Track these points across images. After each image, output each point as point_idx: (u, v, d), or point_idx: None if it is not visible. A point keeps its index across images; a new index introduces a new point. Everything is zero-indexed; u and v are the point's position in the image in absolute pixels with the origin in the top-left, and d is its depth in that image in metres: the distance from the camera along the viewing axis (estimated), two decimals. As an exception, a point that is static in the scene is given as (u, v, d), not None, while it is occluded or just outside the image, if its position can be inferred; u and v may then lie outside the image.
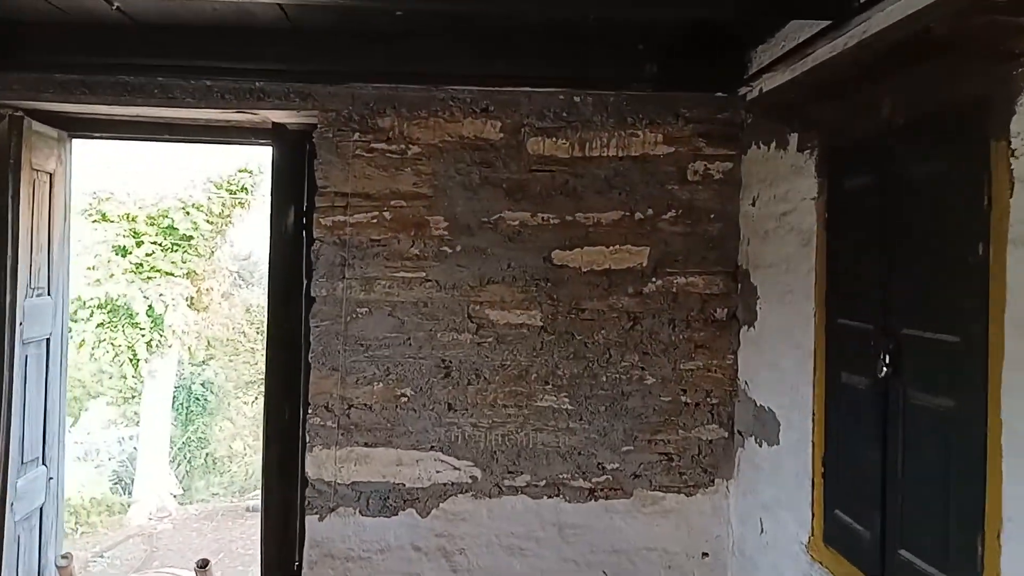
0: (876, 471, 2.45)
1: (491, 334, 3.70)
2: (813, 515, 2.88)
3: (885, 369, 2.37)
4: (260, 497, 3.74)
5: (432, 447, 3.70)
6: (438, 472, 3.71)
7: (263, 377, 3.72)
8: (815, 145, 2.90)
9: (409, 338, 3.69)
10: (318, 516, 3.67)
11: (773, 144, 3.33)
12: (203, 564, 4.08)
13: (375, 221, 3.67)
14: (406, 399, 3.69)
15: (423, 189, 3.67)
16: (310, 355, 3.67)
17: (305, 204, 3.68)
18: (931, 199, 2.24)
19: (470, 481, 3.71)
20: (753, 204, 3.57)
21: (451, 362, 3.70)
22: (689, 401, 3.74)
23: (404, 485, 3.70)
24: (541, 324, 3.70)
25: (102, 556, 10.04)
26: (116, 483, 13.80)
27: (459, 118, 3.68)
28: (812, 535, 2.88)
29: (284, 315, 3.65)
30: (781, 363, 3.22)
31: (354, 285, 3.67)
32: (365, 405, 3.69)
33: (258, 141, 3.78)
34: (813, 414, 2.90)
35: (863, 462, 2.55)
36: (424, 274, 3.68)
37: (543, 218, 3.69)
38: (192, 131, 3.80)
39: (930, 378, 2.24)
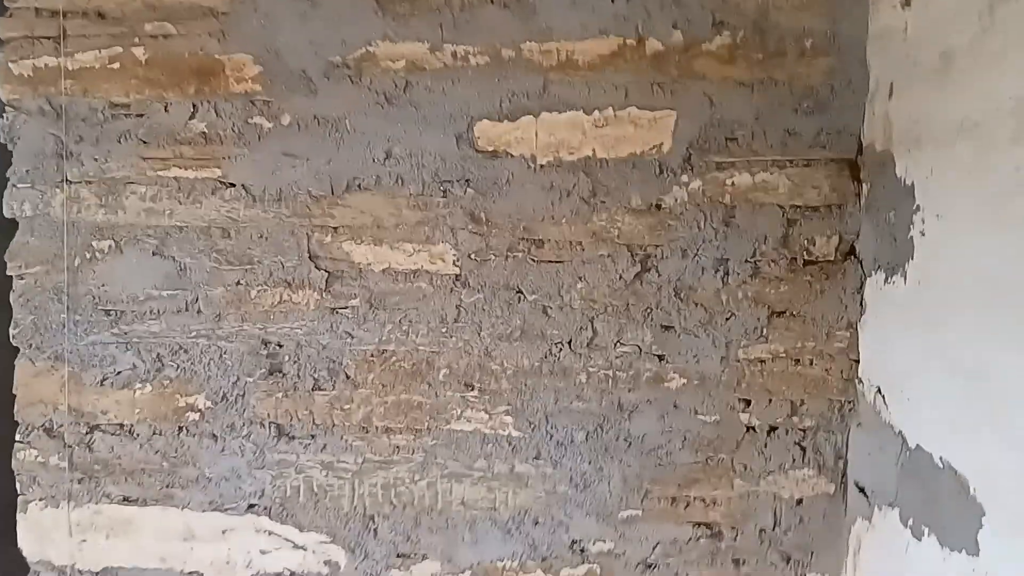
0: None
1: (357, 291, 1.87)
2: None
3: None
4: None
5: (251, 506, 1.94)
6: (264, 553, 1.95)
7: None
8: None
9: (197, 299, 1.89)
10: (47, 629, 1.96)
11: None
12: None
13: (117, 66, 1.84)
14: (197, 416, 1.91)
15: (209, -3, 1.82)
16: (13, 331, 1.92)
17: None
18: None
19: (326, 571, 1.94)
20: (904, 4, 1.61)
21: (281, 346, 1.89)
22: (756, 423, 1.86)
23: (202, 576, 1.96)
24: (456, 272, 1.85)
25: None
26: None
27: None
28: None
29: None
30: (990, 369, 1.32)
31: (86, 195, 1.87)
32: (120, 427, 1.93)
33: None
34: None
35: None
36: (219, 172, 1.86)
37: (455, 54, 1.80)
38: None
39: None
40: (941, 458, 1.47)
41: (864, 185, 1.78)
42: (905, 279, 1.62)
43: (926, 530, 1.52)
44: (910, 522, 1.58)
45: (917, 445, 1.56)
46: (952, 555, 1.43)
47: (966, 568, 1.38)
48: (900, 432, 1.62)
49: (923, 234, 1.55)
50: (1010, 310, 1.28)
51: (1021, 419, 1.25)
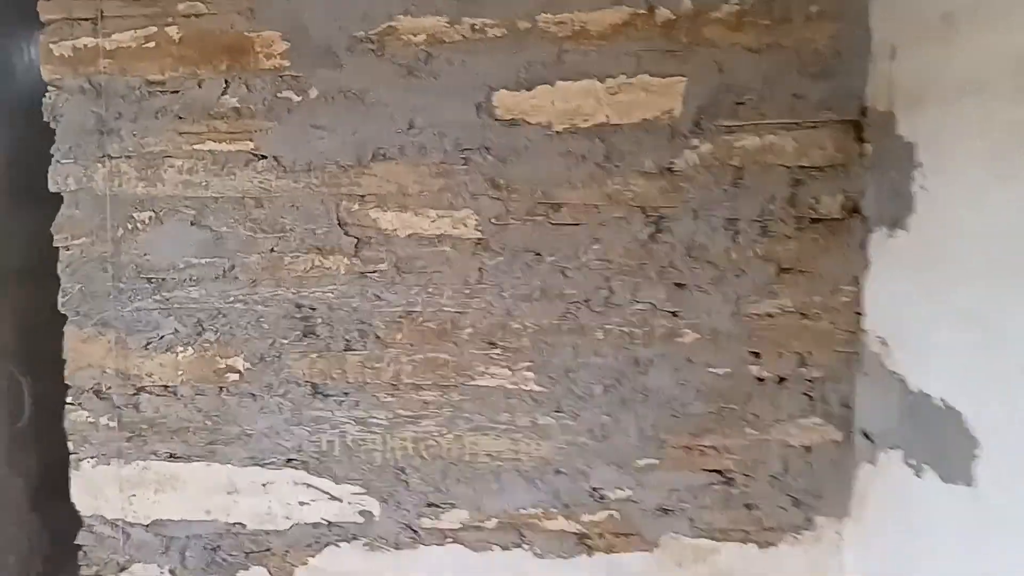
0: None
1: (384, 256, 1.97)
2: None
3: None
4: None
5: (289, 460, 2.06)
6: (303, 504, 2.07)
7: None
8: None
9: (234, 266, 1.99)
10: (101, 579, 2.10)
11: None
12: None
13: (152, 45, 1.93)
14: (237, 376, 2.03)
15: (237, -23, 1.90)
16: (61, 299, 2.03)
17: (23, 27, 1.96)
18: None
19: (360, 521, 2.06)
20: (908, -33, 1.68)
21: (314, 309, 2.00)
22: (766, 375, 1.96)
23: (245, 527, 2.08)
24: (478, 236, 1.95)
25: None
26: None
27: None
28: None
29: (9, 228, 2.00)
30: (986, 315, 1.41)
31: (126, 169, 1.98)
32: (165, 388, 2.05)
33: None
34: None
35: None
36: (251, 144, 1.95)
37: (474, 26, 1.88)
38: None
39: None
40: (941, 399, 1.56)
41: (868, 145, 1.86)
42: (907, 232, 1.70)
43: (926, 467, 1.62)
44: (911, 461, 1.68)
45: (919, 389, 1.65)
46: (951, 488, 1.53)
47: (963, 497, 1.48)
48: (902, 378, 1.72)
49: (924, 188, 1.63)
50: (1007, 260, 1.37)
51: (1011, 359, 1.34)
